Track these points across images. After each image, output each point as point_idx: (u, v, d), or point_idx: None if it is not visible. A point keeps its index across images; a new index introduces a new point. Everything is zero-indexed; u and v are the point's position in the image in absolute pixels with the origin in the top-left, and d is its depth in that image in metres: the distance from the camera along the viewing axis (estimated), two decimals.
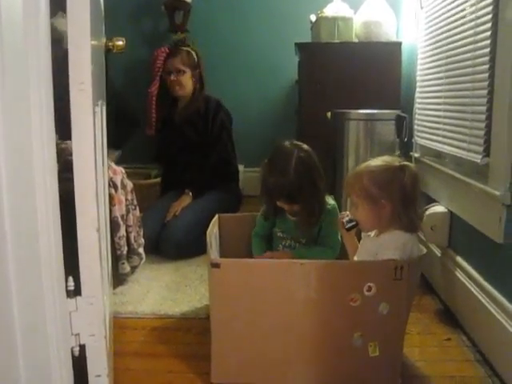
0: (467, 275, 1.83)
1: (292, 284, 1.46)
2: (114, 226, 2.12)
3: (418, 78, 2.53)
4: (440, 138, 2.16)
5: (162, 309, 2.02)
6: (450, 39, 2.07)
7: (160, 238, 2.65)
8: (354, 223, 1.64)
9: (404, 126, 2.48)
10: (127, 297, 2.13)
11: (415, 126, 2.51)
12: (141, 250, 2.35)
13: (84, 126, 1.10)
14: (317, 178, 1.80)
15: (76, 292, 1.12)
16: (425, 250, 1.58)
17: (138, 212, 2.36)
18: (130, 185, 2.31)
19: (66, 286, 1.10)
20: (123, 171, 2.28)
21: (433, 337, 1.81)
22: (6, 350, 0.91)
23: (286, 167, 1.75)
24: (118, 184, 2.18)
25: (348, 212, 1.69)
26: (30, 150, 0.91)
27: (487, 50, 1.68)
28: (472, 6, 1.83)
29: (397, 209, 1.52)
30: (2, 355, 0.89)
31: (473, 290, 1.75)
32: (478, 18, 1.76)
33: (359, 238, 1.72)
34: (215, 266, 1.46)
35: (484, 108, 1.70)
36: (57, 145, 1.23)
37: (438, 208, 2.09)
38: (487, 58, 1.68)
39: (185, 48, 3.16)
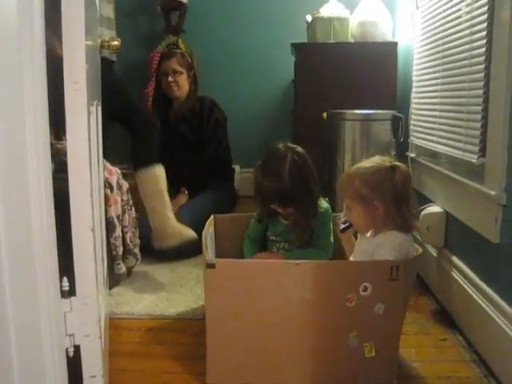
0: (463, 275, 1.83)
1: (288, 284, 1.46)
2: (109, 227, 2.11)
3: (414, 79, 2.53)
4: (436, 138, 2.16)
5: (157, 309, 2.01)
6: (445, 39, 2.07)
7: None
8: (347, 224, 1.65)
9: (400, 127, 2.49)
10: (123, 297, 2.12)
11: (411, 126, 2.52)
12: (136, 251, 2.35)
13: (79, 126, 1.10)
14: (311, 181, 1.79)
15: (70, 292, 1.11)
16: (420, 250, 1.58)
17: (133, 212, 2.36)
18: (125, 185, 2.31)
19: (61, 287, 1.09)
20: (119, 172, 2.28)
21: (429, 337, 1.81)
22: (0, 350, 0.90)
23: (280, 171, 1.74)
24: (114, 184, 2.17)
25: (342, 214, 1.69)
26: (23, 149, 0.91)
27: (483, 49, 1.68)
28: (467, 6, 1.83)
29: (390, 209, 1.52)
30: None
31: (469, 290, 1.75)
32: (474, 18, 1.76)
33: (357, 239, 1.72)
34: (210, 266, 1.45)
35: (480, 108, 1.70)
36: (52, 145, 1.23)
37: (434, 208, 2.09)
38: (483, 58, 1.68)
39: (178, 50, 3.19)
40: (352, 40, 3.02)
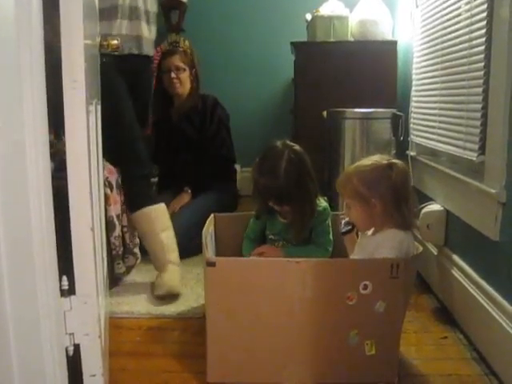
0: (463, 273, 1.82)
1: (288, 282, 1.46)
2: (109, 226, 2.11)
3: (413, 77, 2.53)
4: (436, 137, 2.16)
5: (157, 308, 2.02)
6: (445, 37, 2.07)
7: None
8: (349, 227, 1.63)
9: (400, 125, 2.49)
10: (123, 297, 2.12)
11: (411, 125, 2.52)
12: (136, 250, 2.35)
13: (77, 125, 1.10)
14: (307, 179, 1.79)
15: (70, 291, 1.11)
16: (421, 248, 1.58)
17: None
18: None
19: (60, 286, 1.09)
20: (119, 171, 2.27)
21: (429, 335, 1.81)
22: (0, 349, 0.90)
23: (276, 169, 1.74)
24: (114, 184, 2.17)
25: (344, 215, 1.69)
26: (22, 148, 0.91)
27: (482, 47, 1.68)
28: (467, 4, 1.83)
29: (388, 207, 1.52)
30: None
31: (469, 288, 1.75)
32: (473, 16, 1.76)
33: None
34: (211, 264, 1.45)
35: (479, 106, 1.70)
36: (52, 144, 1.23)
37: (434, 206, 2.09)
38: (482, 56, 1.68)
39: (181, 48, 3.18)
40: (352, 39, 3.02)
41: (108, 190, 2.12)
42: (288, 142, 1.83)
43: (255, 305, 1.49)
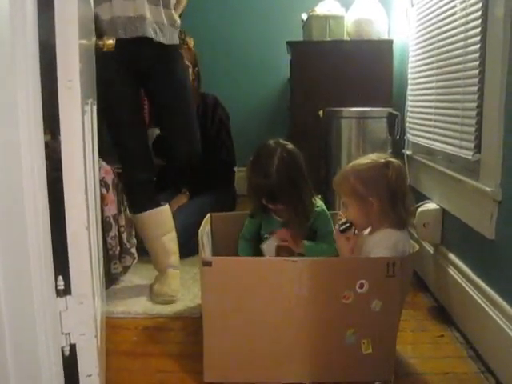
0: (460, 272, 1.83)
1: (284, 281, 1.46)
2: (106, 226, 2.11)
3: (409, 76, 2.54)
4: (432, 135, 2.16)
5: (154, 308, 2.01)
6: (440, 36, 2.08)
7: None
8: (347, 225, 1.63)
9: (396, 124, 2.49)
10: (120, 297, 2.12)
11: (407, 124, 2.52)
12: (133, 250, 2.34)
13: (72, 124, 1.09)
14: (299, 178, 1.78)
15: (66, 291, 1.11)
16: (417, 247, 1.58)
17: (128, 212, 2.35)
18: (120, 185, 2.30)
19: (56, 286, 1.08)
20: (115, 171, 2.27)
21: (426, 334, 1.81)
22: None
23: (268, 167, 1.74)
24: (110, 184, 2.17)
25: (341, 215, 1.69)
26: (17, 147, 0.90)
27: (477, 46, 1.69)
28: (462, 3, 1.83)
29: (384, 206, 1.52)
30: None
31: (465, 286, 1.75)
32: (468, 14, 1.76)
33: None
34: (207, 264, 1.45)
35: (475, 104, 1.70)
36: (47, 144, 1.23)
37: (431, 205, 2.09)
38: (477, 55, 1.69)
39: (185, 45, 3.15)
40: (347, 38, 3.03)
41: (104, 190, 2.12)
42: (281, 140, 1.83)
43: (252, 304, 1.48)
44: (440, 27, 2.08)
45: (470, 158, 1.73)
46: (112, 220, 2.15)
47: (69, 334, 1.12)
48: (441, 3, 2.06)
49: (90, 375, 1.16)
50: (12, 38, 0.87)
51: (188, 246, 2.48)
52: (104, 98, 2.12)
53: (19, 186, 0.92)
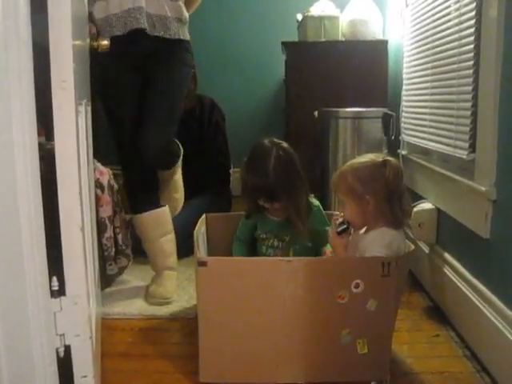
0: (455, 271, 1.83)
1: (279, 281, 1.45)
2: (101, 227, 2.11)
3: (404, 76, 2.54)
4: (427, 135, 2.17)
5: (149, 309, 2.01)
6: (435, 37, 2.08)
7: None
8: (344, 226, 1.62)
9: (391, 124, 2.49)
10: (115, 298, 2.12)
11: (402, 124, 2.52)
12: (128, 251, 2.34)
13: (67, 125, 1.09)
14: (297, 176, 1.78)
15: (60, 292, 1.11)
16: (413, 247, 1.58)
17: (123, 214, 2.34)
18: (115, 186, 2.30)
19: (50, 286, 1.08)
20: (110, 172, 2.27)
21: (421, 333, 1.82)
22: None
23: (265, 167, 1.73)
24: (105, 185, 2.17)
25: (338, 215, 1.68)
26: (11, 149, 0.90)
27: (471, 46, 1.69)
28: (456, 3, 1.83)
29: (381, 204, 1.52)
30: None
31: (460, 286, 1.76)
32: (462, 15, 1.77)
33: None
34: (202, 264, 1.45)
35: (469, 104, 1.71)
36: (42, 145, 1.23)
37: (426, 205, 2.10)
38: (471, 55, 1.69)
39: None
40: (342, 38, 3.03)
41: (99, 191, 2.12)
42: (275, 139, 1.83)
43: (247, 304, 1.48)
44: (434, 27, 2.08)
45: (464, 157, 1.74)
46: (107, 221, 2.14)
47: (63, 335, 1.11)
48: (435, 4, 2.07)
49: (85, 376, 1.16)
50: (5, 38, 0.87)
51: (184, 248, 2.48)
52: (105, 98, 2.12)
53: (13, 187, 0.92)
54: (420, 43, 2.29)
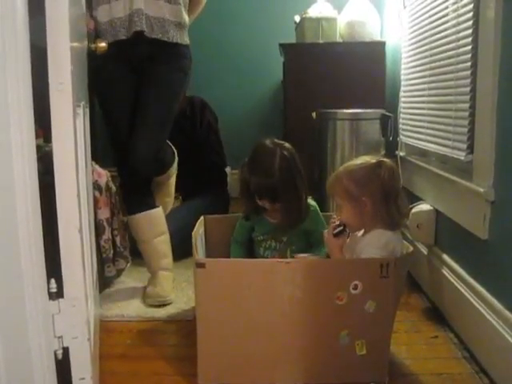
0: (454, 273, 1.83)
1: (278, 283, 1.45)
2: (99, 229, 2.10)
3: (402, 77, 2.54)
4: (425, 137, 2.17)
5: (148, 311, 2.01)
6: (432, 38, 2.08)
7: None
8: (341, 228, 1.61)
9: (389, 125, 2.49)
10: (113, 300, 2.12)
11: (400, 125, 2.53)
12: (127, 253, 2.33)
13: (64, 127, 1.09)
14: (299, 177, 1.79)
15: (58, 294, 1.10)
16: (411, 248, 1.58)
17: (121, 215, 2.34)
18: (113, 188, 2.30)
19: (49, 288, 1.08)
20: (108, 174, 2.26)
21: (420, 335, 1.81)
22: None
23: (271, 166, 1.73)
24: (103, 187, 2.16)
25: (335, 217, 1.68)
26: (9, 149, 0.90)
27: (469, 47, 1.69)
28: (454, 4, 1.83)
29: (377, 205, 1.52)
30: None
31: (459, 287, 1.75)
32: (460, 16, 1.77)
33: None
34: (200, 265, 1.45)
35: (467, 105, 1.71)
36: (40, 147, 1.22)
37: (424, 206, 2.10)
38: (469, 56, 1.69)
39: None
40: (340, 40, 3.03)
41: (97, 193, 2.12)
42: (276, 140, 1.83)
43: (245, 306, 1.48)
44: (432, 29, 2.08)
45: (462, 158, 1.74)
46: (105, 223, 2.14)
47: (61, 337, 1.11)
48: (433, 5, 2.07)
49: (83, 378, 1.16)
50: (2, 40, 0.87)
51: (181, 249, 2.48)
52: (103, 99, 2.11)
53: (11, 188, 0.92)
54: (418, 44, 2.29)
